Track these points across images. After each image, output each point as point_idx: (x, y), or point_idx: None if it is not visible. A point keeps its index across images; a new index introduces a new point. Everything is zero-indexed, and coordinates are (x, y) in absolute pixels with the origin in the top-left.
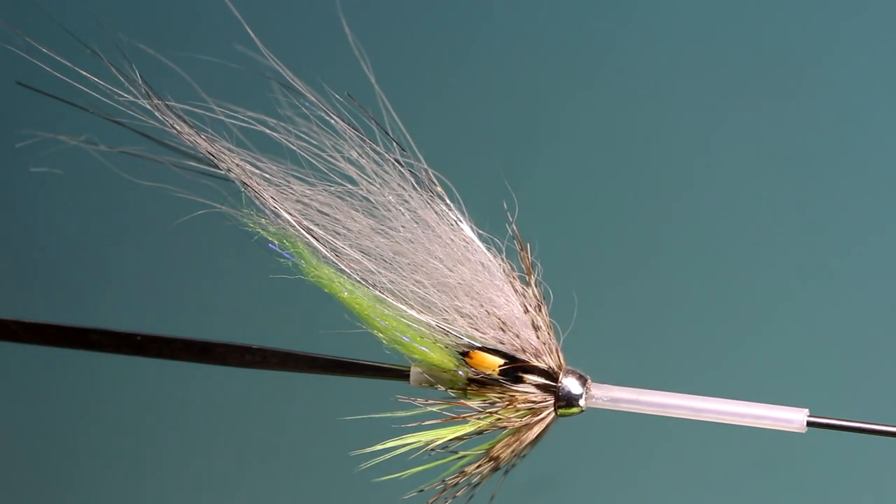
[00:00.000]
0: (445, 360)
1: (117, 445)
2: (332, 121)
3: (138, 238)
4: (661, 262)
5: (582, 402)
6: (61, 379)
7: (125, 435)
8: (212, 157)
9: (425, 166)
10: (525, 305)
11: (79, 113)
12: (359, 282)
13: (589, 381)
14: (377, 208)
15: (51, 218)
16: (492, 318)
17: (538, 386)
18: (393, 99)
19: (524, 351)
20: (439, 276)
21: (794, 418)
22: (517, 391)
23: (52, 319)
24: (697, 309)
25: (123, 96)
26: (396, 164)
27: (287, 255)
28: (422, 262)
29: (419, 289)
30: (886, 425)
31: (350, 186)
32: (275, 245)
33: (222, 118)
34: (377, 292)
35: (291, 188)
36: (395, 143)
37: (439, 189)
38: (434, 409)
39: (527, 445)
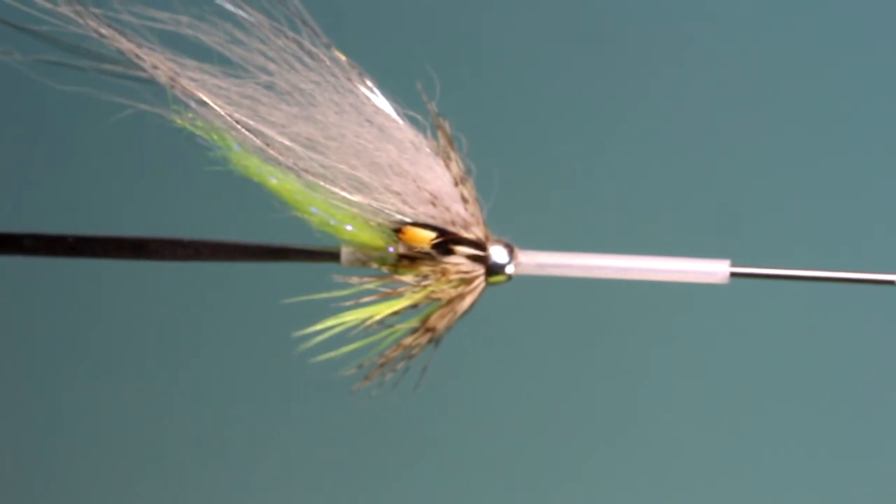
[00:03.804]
0: (375, 238)
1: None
2: (251, 17)
3: (64, 144)
4: (578, 131)
5: (510, 269)
6: None
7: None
8: (136, 59)
9: (340, 52)
10: (454, 178)
11: None
12: (287, 168)
13: (516, 249)
14: (301, 96)
15: None
16: (421, 192)
17: (468, 257)
18: None
19: (454, 224)
20: (367, 157)
21: (717, 270)
22: (449, 263)
23: None
24: (614, 176)
25: (43, 3)
26: (317, 52)
27: (214, 148)
28: (349, 144)
29: (348, 170)
30: (810, 270)
31: (270, 78)
32: (202, 139)
33: (136, 20)
34: (306, 177)
35: (218, 84)
36: (312, 30)
37: (360, 72)
38: (369, 287)
39: (460, 315)
